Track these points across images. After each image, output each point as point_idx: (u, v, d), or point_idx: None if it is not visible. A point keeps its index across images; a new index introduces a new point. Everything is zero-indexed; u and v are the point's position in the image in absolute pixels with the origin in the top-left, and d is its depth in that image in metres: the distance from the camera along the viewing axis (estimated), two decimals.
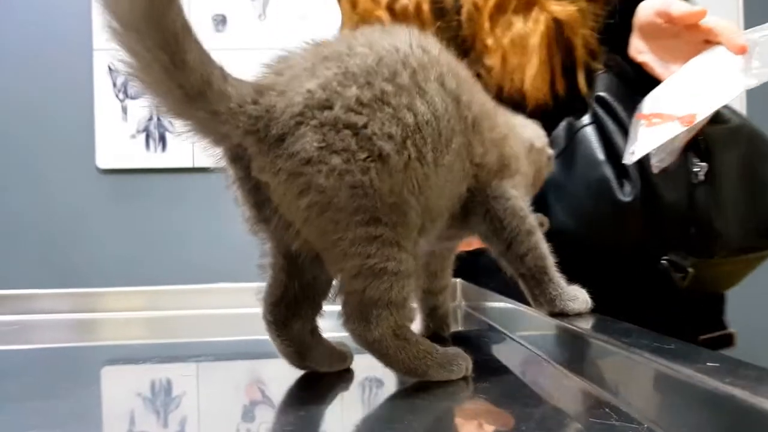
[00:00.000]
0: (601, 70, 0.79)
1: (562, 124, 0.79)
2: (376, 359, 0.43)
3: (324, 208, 0.40)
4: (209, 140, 0.41)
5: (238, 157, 0.42)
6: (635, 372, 0.38)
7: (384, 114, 0.41)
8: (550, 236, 0.54)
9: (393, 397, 0.46)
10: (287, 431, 0.30)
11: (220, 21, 1.90)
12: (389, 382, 0.47)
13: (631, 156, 0.68)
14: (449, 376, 0.45)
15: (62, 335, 0.79)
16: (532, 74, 0.79)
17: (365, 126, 0.40)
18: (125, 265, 1.84)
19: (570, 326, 0.49)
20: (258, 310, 0.86)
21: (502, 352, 0.58)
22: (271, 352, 0.56)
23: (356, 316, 0.43)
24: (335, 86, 0.40)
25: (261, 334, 0.71)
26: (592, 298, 0.55)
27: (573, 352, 0.48)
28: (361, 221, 0.41)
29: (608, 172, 0.73)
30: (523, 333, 0.59)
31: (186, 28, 0.37)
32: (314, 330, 0.48)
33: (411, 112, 0.42)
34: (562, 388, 0.46)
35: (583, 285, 0.77)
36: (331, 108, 0.40)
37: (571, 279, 0.61)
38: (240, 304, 0.86)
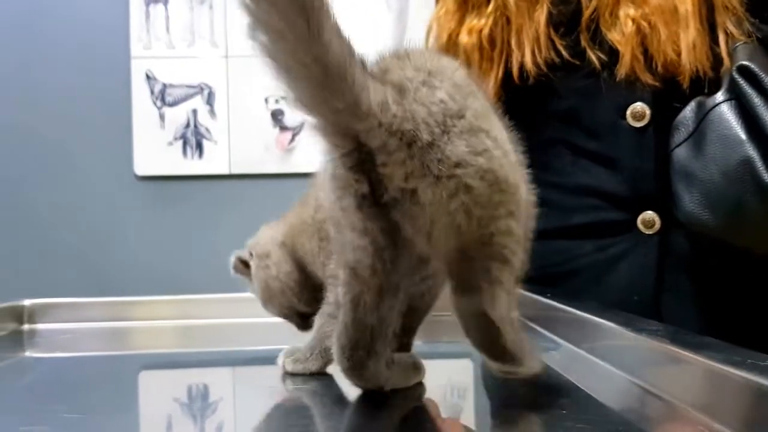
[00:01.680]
0: (742, 40, 0.72)
1: (690, 105, 0.73)
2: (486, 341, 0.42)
3: (472, 208, 0.40)
4: (336, 140, 0.40)
5: (361, 163, 0.40)
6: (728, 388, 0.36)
7: (495, 120, 0.44)
8: (681, 227, 0.51)
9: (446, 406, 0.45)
10: None
11: None
12: (429, 385, 0.45)
13: None
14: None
15: (98, 344, 0.79)
16: (689, 43, 0.73)
17: (490, 130, 0.42)
18: (162, 270, 1.86)
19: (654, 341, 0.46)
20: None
21: (569, 368, 0.56)
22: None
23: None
24: (459, 98, 0.41)
25: (296, 342, 0.70)
26: (732, 302, 0.52)
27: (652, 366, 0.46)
28: (501, 215, 0.42)
29: (752, 151, 0.65)
30: (591, 345, 0.56)
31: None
32: (390, 360, 0.47)
33: None
34: (643, 405, 0.43)
35: (722, 287, 0.73)
36: (464, 117, 0.41)
37: (710, 281, 0.57)
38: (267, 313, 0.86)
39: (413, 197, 0.40)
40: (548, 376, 0.50)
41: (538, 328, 0.70)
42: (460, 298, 0.43)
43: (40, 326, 0.83)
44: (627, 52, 0.76)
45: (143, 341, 0.82)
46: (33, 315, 0.84)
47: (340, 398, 0.45)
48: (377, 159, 0.39)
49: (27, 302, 0.84)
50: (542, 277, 0.78)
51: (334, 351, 0.45)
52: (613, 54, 0.78)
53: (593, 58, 0.78)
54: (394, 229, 0.41)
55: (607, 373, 0.52)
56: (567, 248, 0.84)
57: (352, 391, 0.46)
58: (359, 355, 0.44)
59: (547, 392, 0.47)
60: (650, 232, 0.78)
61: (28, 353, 0.74)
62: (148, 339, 0.82)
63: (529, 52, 0.80)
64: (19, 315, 0.83)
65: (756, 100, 0.66)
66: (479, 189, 0.40)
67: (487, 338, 0.43)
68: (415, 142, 0.39)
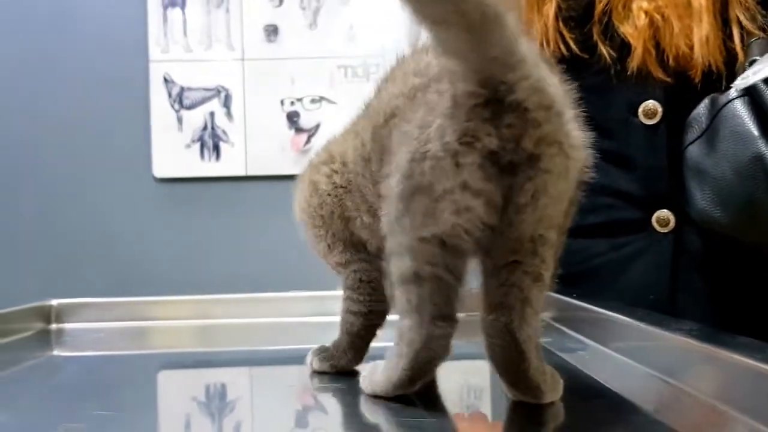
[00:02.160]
0: (757, 36, 0.72)
1: (703, 102, 0.73)
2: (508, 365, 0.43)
3: (569, 193, 0.43)
4: (480, 89, 0.38)
5: (496, 117, 0.39)
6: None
7: None
8: (693, 225, 0.51)
9: (464, 407, 0.45)
10: None
11: (272, 31, 1.92)
12: (446, 386, 0.45)
13: (744, 80, 0.61)
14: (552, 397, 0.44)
15: (122, 343, 0.80)
16: (702, 37, 0.72)
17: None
18: (181, 270, 1.87)
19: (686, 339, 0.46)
20: (308, 318, 0.86)
21: (597, 368, 0.56)
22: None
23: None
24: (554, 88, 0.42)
25: (312, 342, 0.71)
26: (746, 300, 0.53)
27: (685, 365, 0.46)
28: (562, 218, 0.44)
29: (764, 148, 0.64)
30: (619, 345, 0.56)
31: None
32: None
33: None
34: (676, 404, 0.44)
35: (736, 285, 0.72)
36: (569, 107, 0.43)
37: (724, 279, 0.56)
38: (290, 313, 0.86)
39: (538, 163, 0.39)
40: (575, 376, 0.50)
41: (564, 329, 0.70)
42: (489, 315, 0.43)
43: (67, 326, 0.85)
44: (639, 45, 0.76)
45: (166, 340, 0.83)
46: (60, 315, 0.85)
47: (359, 397, 0.45)
48: (515, 114, 0.38)
49: (54, 302, 0.85)
50: (557, 277, 0.78)
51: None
52: (625, 48, 0.78)
53: (604, 52, 0.78)
54: (506, 195, 0.40)
55: (636, 372, 0.52)
56: (582, 248, 0.84)
57: None
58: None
59: (574, 392, 0.47)
60: (665, 231, 0.79)
61: (56, 352, 0.75)
62: (170, 338, 0.83)
63: (536, 46, 0.80)
64: (46, 315, 0.84)
65: None
66: (576, 179, 0.42)
67: (510, 362, 0.43)
68: (552, 107, 0.40)
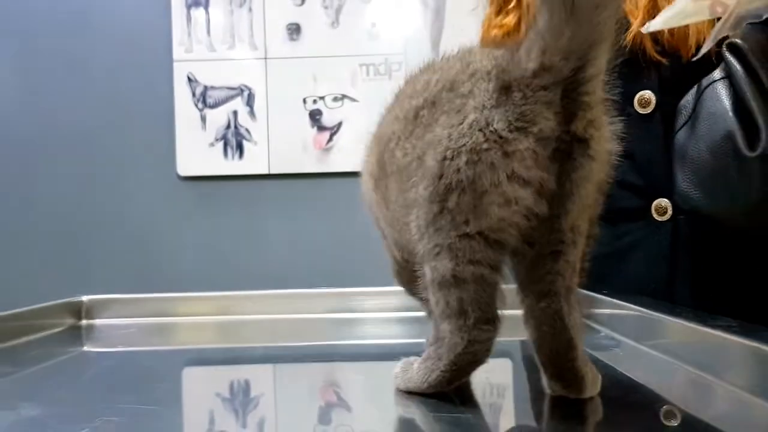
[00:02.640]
0: None
1: (692, 90, 0.73)
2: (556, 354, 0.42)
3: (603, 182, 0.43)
4: (559, 63, 0.39)
5: (563, 96, 0.40)
6: None
7: None
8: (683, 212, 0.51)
9: (485, 405, 0.44)
10: None
11: (294, 30, 1.93)
12: (475, 383, 0.45)
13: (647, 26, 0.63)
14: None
15: (152, 339, 0.80)
16: None
17: None
18: (205, 267, 1.90)
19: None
20: (331, 315, 0.86)
21: (632, 364, 0.55)
22: (346, 354, 0.55)
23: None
24: None
25: (334, 339, 0.70)
26: (743, 287, 0.53)
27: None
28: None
29: (733, 125, 0.65)
30: (654, 341, 0.55)
31: None
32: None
33: None
34: (714, 401, 0.43)
35: (727, 273, 0.69)
36: None
37: (716, 267, 0.56)
38: (313, 310, 0.86)
39: (586, 149, 0.40)
40: (610, 373, 0.50)
41: (596, 326, 0.70)
42: (539, 302, 0.42)
43: (97, 321, 0.86)
44: (637, 21, 0.77)
45: (192, 336, 0.84)
46: (90, 311, 0.86)
47: (380, 393, 0.45)
48: (571, 97, 0.39)
49: (85, 298, 0.86)
50: None
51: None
52: (624, 31, 0.78)
53: None
54: (560, 181, 0.40)
55: (673, 369, 0.51)
56: None
57: (392, 387, 0.46)
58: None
59: (610, 389, 0.46)
60: (662, 219, 0.80)
61: (87, 348, 0.76)
62: (196, 334, 0.84)
63: None
64: (77, 311, 0.85)
65: (741, 76, 0.66)
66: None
67: (559, 350, 0.42)
68: (598, 92, 0.41)
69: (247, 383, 0.55)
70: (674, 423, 0.41)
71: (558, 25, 0.37)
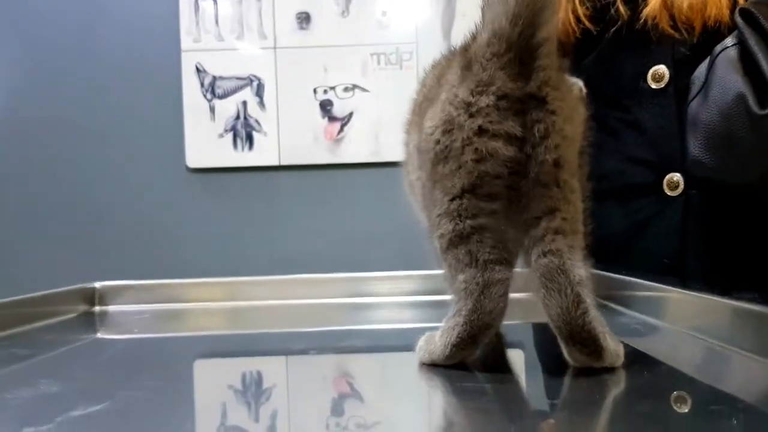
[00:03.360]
0: None
1: (705, 61, 0.74)
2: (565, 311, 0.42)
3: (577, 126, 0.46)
4: (508, 24, 0.43)
5: (511, 63, 0.44)
6: None
7: None
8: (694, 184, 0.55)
9: (494, 390, 0.43)
10: (377, 425, 0.28)
11: (304, 19, 1.91)
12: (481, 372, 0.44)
13: None
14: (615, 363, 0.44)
15: (153, 325, 0.79)
16: None
17: None
18: (215, 260, 1.89)
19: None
20: (343, 300, 0.86)
21: (654, 340, 0.54)
22: (357, 346, 0.54)
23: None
24: None
25: (348, 324, 0.69)
26: (737, 246, 0.55)
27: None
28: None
29: (744, 86, 0.66)
30: (675, 317, 0.54)
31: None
32: None
33: None
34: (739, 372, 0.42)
35: (726, 232, 0.73)
36: None
37: (727, 241, 0.55)
38: (326, 294, 0.86)
39: (544, 104, 0.44)
40: (631, 349, 0.48)
41: (615, 306, 0.68)
42: (542, 258, 0.44)
43: (110, 308, 0.85)
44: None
45: (205, 322, 0.83)
46: (103, 297, 0.86)
47: (393, 384, 0.44)
48: (525, 62, 0.43)
49: (98, 285, 0.86)
50: None
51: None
52: (639, 7, 0.80)
53: (621, 10, 0.80)
54: (529, 134, 0.43)
55: (696, 344, 0.50)
56: (595, 215, 0.85)
57: (405, 378, 0.45)
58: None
59: (633, 363, 0.45)
60: (674, 194, 0.80)
61: (100, 335, 0.75)
62: (209, 320, 0.83)
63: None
64: (90, 297, 0.85)
65: (753, 41, 0.67)
66: (581, 125, 0.48)
67: (567, 307, 0.42)
68: (553, 55, 0.45)
69: (259, 374, 0.54)
70: (705, 397, 0.40)
71: None
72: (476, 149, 0.43)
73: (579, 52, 0.85)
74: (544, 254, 0.43)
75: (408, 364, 0.47)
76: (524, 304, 0.53)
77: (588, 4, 0.83)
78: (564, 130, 0.44)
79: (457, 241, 0.45)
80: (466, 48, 0.46)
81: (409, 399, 0.41)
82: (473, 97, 0.44)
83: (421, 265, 0.83)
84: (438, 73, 0.52)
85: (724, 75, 0.69)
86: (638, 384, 0.42)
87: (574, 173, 0.46)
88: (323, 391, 0.45)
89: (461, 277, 0.44)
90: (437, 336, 0.46)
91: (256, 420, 0.35)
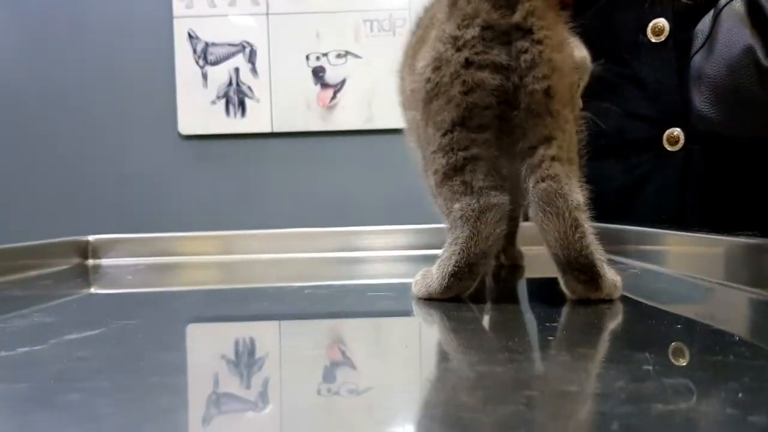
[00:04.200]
0: None
1: (708, 14, 0.73)
2: (563, 236, 0.43)
3: (567, 56, 0.46)
4: None
5: None
6: None
7: None
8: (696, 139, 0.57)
9: (486, 361, 0.44)
10: (369, 391, 0.29)
11: None
12: (474, 340, 0.44)
13: None
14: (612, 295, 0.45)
15: (147, 279, 0.79)
16: None
17: None
18: (207, 228, 1.88)
19: None
20: (335, 254, 0.85)
21: (651, 283, 0.55)
22: (350, 311, 0.54)
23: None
24: None
25: (338, 278, 0.69)
26: (737, 200, 0.57)
27: None
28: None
29: (752, 39, 0.65)
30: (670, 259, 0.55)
31: None
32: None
33: None
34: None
35: (727, 186, 0.73)
36: None
37: (724, 189, 0.58)
38: (317, 248, 0.86)
39: (530, 34, 0.44)
40: (626, 295, 0.49)
41: (623, 259, 0.69)
42: (541, 183, 0.44)
43: (103, 261, 0.85)
44: None
45: (199, 276, 0.83)
46: (96, 250, 0.86)
47: (386, 350, 0.43)
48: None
49: (91, 238, 0.86)
50: None
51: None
52: None
53: None
54: (516, 63, 0.44)
55: (694, 284, 0.51)
56: (594, 171, 0.85)
57: (397, 344, 0.44)
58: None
59: (629, 301, 0.45)
60: (674, 150, 0.80)
61: (93, 289, 0.75)
62: (203, 273, 0.83)
63: None
64: (83, 250, 0.85)
65: None
66: (571, 55, 0.48)
67: (564, 231, 0.43)
68: None
69: (251, 340, 0.54)
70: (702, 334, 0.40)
71: None
72: (464, 81, 0.44)
73: (578, 5, 0.85)
74: (542, 179, 0.44)
75: (402, 324, 0.46)
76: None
77: None
78: (552, 60, 0.44)
79: (451, 173, 0.45)
80: None
81: (402, 365, 0.41)
82: (459, 30, 0.45)
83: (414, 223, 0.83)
84: (431, 14, 0.52)
85: (730, 28, 0.68)
86: (636, 315, 0.43)
87: (567, 104, 0.46)
88: (316, 357, 0.45)
89: (457, 205, 0.45)
90: (434, 268, 0.47)
91: (248, 387, 0.35)
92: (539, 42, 0.44)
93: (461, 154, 0.45)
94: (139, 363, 0.33)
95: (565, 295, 0.44)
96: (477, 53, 0.44)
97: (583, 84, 0.59)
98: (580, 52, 0.57)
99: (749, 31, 0.65)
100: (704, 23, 0.73)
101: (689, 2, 0.78)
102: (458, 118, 0.45)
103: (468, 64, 0.44)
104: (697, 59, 0.73)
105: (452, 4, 0.46)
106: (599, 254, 0.44)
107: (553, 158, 0.44)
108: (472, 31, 0.44)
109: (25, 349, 0.36)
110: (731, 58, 0.67)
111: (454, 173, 0.45)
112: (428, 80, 0.46)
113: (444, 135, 0.46)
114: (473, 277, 0.45)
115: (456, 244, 0.45)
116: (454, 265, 0.44)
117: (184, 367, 0.34)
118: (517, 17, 0.44)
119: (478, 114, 0.44)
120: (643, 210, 0.82)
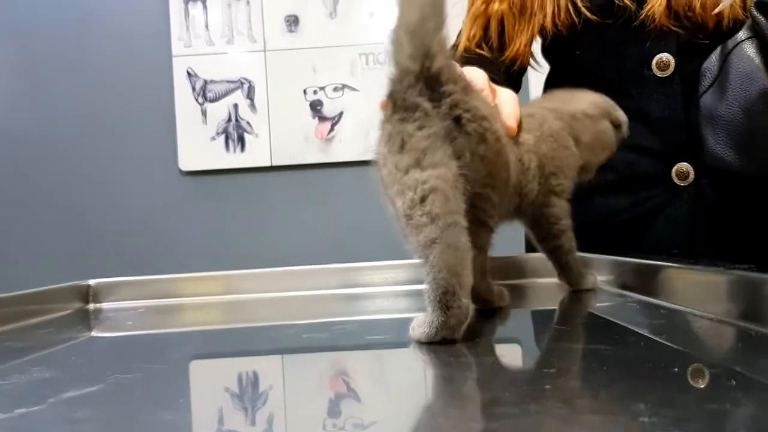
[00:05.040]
0: None
1: (715, 51, 0.73)
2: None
3: (493, 147, 0.52)
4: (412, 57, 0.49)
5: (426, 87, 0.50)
6: None
7: None
8: (708, 175, 0.58)
9: (487, 387, 0.44)
10: (374, 426, 0.28)
11: (293, 21, 1.92)
12: (473, 372, 0.44)
13: None
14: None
15: (148, 321, 0.79)
16: None
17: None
18: (208, 263, 1.89)
19: None
20: (335, 291, 0.85)
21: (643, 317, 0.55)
22: (355, 344, 0.54)
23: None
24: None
25: (338, 315, 0.69)
26: (749, 233, 0.58)
27: None
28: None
29: None
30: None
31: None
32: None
33: None
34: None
35: (750, 228, 0.74)
36: None
37: (737, 223, 0.61)
38: (316, 286, 0.85)
39: (460, 126, 0.50)
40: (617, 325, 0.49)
41: (608, 288, 0.69)
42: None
43: (104, 305, 0.85)
44: None
45: (199, 317, 0.83)
46: (97, 294, 0.86)
47: (390, 383, 0.43)
48: (433, 87, 0.49)
49: (92, 282, 0.86)
50: (581, 236, 0.78)
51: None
52: (641, 1, 0.79)
53: (627, 1, 0.79)
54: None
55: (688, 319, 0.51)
56: (604, 205, 0.85)
57: (402, 376, 0.44)
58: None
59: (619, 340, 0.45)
60: (684, 184, 0.79)
61: (95, 333, 0.75)
62: (203, 314, 0.83)
63: (549, 15, 0.83)
64: (84, 294, 0.85)
65: None
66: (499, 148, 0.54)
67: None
68: (458, 81, 0.51)
69: (255, 374, 0.54)
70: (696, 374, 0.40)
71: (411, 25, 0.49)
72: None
73: (582, 37, 0.84)
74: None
75: (404, 357, 0.47)
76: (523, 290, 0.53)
77: (581, 9, 0.82)
78: (478, 149, 0.49)
79: (429, 243, 0.47)
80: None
81: (408, 397, 0.41)
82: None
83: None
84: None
85: (744, 71, 0.68)
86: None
87: (492, 186, 0.53)
88: (320, 391, 0.45)
89: (420, 237, 0.46)
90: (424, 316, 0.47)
91: (253, 423, 0.35)
92: (468, 134, 0.49)
93: (437, 225, 0.50)
94: (137, 425, 0.33)
95: (563, 333, 0.45)
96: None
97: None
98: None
99: (765, 74, 0.66)
100: (711, 61, 0.73)
101: (697, 40, 0.77)
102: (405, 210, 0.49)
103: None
104: (708, 99, 0.73)
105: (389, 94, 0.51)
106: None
107: (479, 223, 0.50)
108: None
109: (23, 410, 0.36)
110: (747, 100, 0.67)
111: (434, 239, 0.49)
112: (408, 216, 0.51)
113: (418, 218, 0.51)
114: (455, 312, 0.46)
115: (435, 280, 0.48)
116: (438, 306, 0.47)
117: (182, 429, 0.34)
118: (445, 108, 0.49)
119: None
120: (653, 243, 0.81)
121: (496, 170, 0.53)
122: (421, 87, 0.48)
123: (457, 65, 0.51)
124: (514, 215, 0.65)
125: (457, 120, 0.48)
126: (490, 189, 0.53)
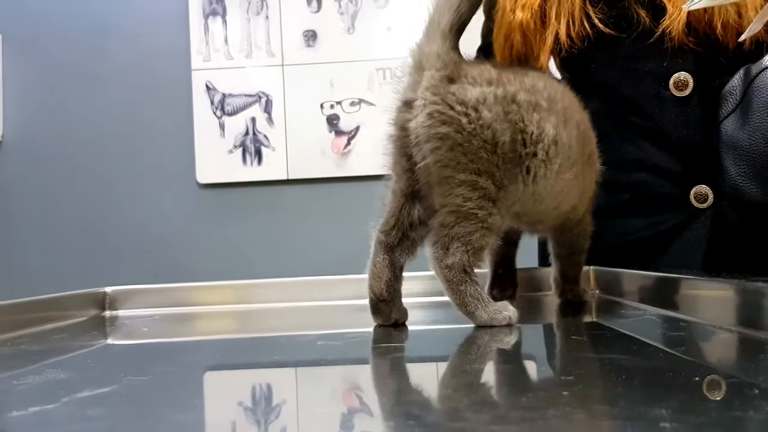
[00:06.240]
0: None
1: (738, 74, 0.71)
2: (443, 287, 0.56)
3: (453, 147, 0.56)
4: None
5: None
6: None
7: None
8: (731, 205, 0.59)
9: (504, 393, 0.43)
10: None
11: (311, 36, 1.94)
12: (490, 379, 0.43)
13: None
14: (491, 323, 0.54)
15: (163, 329, 0.79)
16: (757, 4, 0.70)
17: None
18: (225, 275, 1.89)
19: None
20: (350, 302, 0.85)
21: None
22: (368, 354, 0.54)
23: (441, 244, 0.56)
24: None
25: (352, 326, 0.69)
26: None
27: None
28: (476, 170, 0.55)
29: None
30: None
31: None
32: (399, 276, 0.63)
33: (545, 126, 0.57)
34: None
35: (758, 241, 0.74)
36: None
37: (757, 247, 0.61)
38: (331, 297, 0.85)
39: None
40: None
41: (623, 300, 0.68)
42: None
43: (120, 312, 0.86)
44: (675, 11, 0.74)
45: (214, 326, 0.83)
46: (114, 302, 0.86)
47: (403, 397, 0.42)
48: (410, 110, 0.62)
49: (108, 289, 0.87)
50: (596, 256, 0.76)
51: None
52: (659, 12, 0.77)
53: (642, 14, 0.77)
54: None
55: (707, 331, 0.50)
56: (619, 226, 0.83)
57: (415, 389, 0.44)
58: None
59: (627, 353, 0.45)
60: (703, 207, 0.77)
61: (110, 340, 0.75)
62: (218, 323, 0.83)
63: (564, 26, 0.80)
64: (101, 301, 0.85)
65: None
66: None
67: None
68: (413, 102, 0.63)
69: (268, 387, 0.54)
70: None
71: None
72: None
73: (596, 52, 0.82)
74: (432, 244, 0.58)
75: (419, 368, 0.47)
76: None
77: (602, 9, 0.80)
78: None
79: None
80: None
81: (422, 410, 0.40)
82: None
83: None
84: None
85: (767, 99, 0.65)
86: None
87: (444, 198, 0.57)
88: (332, 405, 0.44)
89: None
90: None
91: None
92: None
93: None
94: (150, 423, 0.33)
95: (580, 344, 0.44)
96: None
97: None
98: None
99: None
100: (733, 85, 0.71)
101: (716, 59, 0.75)
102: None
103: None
104: (729, 126, 0.70)
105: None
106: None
107: (441, 225, 0.57)
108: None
109: (37, 408, 0.36)
110: None
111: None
112: None
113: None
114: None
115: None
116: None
117: (196, 429, 0.34)
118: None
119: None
120: (668, 265, 0.79)
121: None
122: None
123: None
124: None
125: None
126: None
